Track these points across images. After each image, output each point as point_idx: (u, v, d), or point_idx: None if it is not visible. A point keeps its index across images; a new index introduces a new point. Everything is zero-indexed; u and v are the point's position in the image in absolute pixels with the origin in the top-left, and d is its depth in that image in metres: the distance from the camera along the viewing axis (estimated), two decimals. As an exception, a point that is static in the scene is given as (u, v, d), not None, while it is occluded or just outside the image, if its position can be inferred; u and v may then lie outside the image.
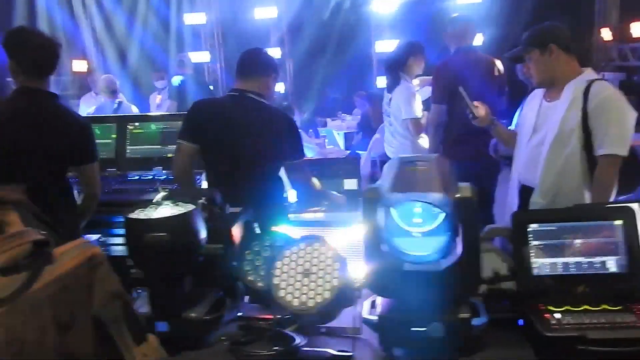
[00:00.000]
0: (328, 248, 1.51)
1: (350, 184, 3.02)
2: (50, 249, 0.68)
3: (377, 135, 6.75)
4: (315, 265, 1.49)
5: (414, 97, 3.96)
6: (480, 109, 2.57)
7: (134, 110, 5.46)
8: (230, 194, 2.07)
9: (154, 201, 1.77)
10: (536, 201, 2.34)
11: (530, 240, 1.61)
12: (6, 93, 4.95)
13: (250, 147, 2.31)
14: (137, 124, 3.18)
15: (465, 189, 1.43)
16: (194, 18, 9.64)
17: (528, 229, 1.61)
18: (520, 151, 2.53)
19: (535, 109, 2.47)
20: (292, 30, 9.88)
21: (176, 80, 6.02)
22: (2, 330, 0.61)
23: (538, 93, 2.51)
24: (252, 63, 2.44)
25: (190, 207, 1.62)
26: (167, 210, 1.65)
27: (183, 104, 5.66)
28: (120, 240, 2.83)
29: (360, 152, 7.46)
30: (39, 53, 2.30)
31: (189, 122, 2.40)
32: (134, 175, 3.08)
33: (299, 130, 2.48)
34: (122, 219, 1.57)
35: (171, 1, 9.65)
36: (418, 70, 4.02)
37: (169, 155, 3.15)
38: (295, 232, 1.88)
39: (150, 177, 3.06)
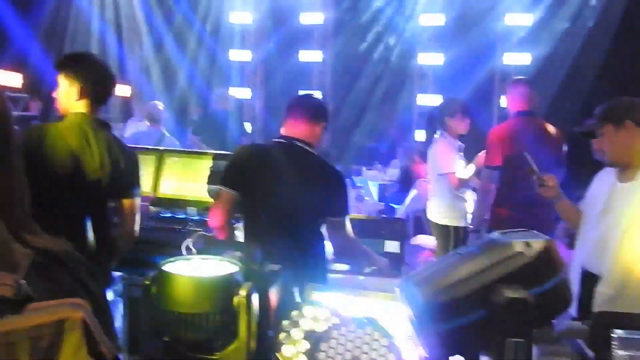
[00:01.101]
0: (381, 334, 1.32)
1: (391, 246, 2.83)
2: (20, 299, 0.63)
3: (415, 191, 6.56)
4: (365, 353, 1.29)
5: (452, 153, 3.79)
6: (549, 178, 2.38)
7: (177, 144, 5.34)
8: (268, 248, 1.92)
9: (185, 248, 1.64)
10: (602, 291, 2.11)
11: (614, 349, 1.39)
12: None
13: (295, 200, 2.16)
14: (176, 159, 3.07)
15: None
16: (238, 55, 9.75)
17: (612, 335, 1.40)
18: (585, 233, 2.31)
19: (606, 188, 2.26)
20: (336, 75, 9.90)
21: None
22: None
23: (610, 170, 2.31)
24: (303, 109, 2.31)
25: (232, 266, 1.46)
26: (203, 264, 1.51)
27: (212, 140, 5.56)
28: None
29: (394, 205, 7.26)
30: (104, 81, 2.28)
31: (232, 168, 2.26)
32: (166, 213, 2.94)
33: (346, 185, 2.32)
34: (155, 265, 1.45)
35: (218, 36, 9.80)
36: (460, 129, 3.85)
37: (205, 197, 3.02)
38: (337, 302, 1.70)
39: (183, 216, 2.92)
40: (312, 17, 9.41)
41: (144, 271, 2.66)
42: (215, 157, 3.13)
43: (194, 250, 2.60)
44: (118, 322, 2.76)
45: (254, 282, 1.62)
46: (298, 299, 1.84)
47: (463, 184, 3.77)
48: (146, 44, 9.63)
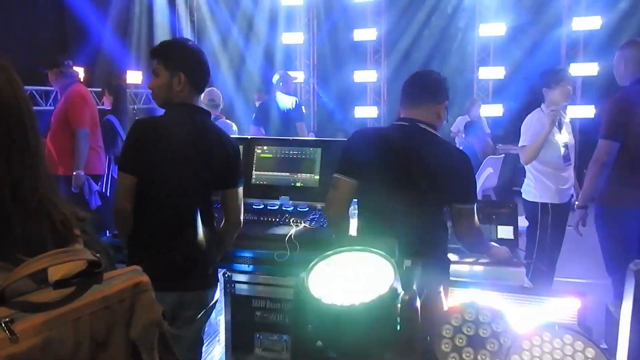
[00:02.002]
0: (585, 345, 1.13)
1: (505, 231, 2.61)
2: (101, 270, 0.73)
3: (489, 170, 6.28)
4: (570, 366, 1.11)
5: (535, 123, 3.51)
6: None
7: (234, 129, 5.27)
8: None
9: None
10: None
11: None
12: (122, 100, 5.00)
13: (419, 186, 1.97)
14: (265, 147, 2.93)
15: None
16: (291, 37, 9.59)
17: None
18: None
19: None
20: (390, 53, 9.59)
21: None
22: (39, 338, 0.64)
23: None
24: (425, 88, 2.10)
25: (384, 264, 1.30)
26: (352, 261, 1.36)
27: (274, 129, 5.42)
28: (244, 277, 2.55)
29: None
30: (206, 68, 2.14)
31: (350, 154, 2.08)
32: (259, 204, 2.81)
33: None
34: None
35: (273, 21, 9.67)
36: (560, 99, 3.55)
37: (298, 184, 2.88)
38: (488, 301, 1.51)
39: (277, 207, 2.78)
40: (366, -6, 9.15)
41: (242, 267, 2.57)
42: (304, 144, 2.98)
43: (297, 243, 2.48)
44: (222, 317, 2.68)
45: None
46: (445, 301, 1.68)
47: (529, 157, 3.48)
48: (211, 32, 9.62)
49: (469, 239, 2.10)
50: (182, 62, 2.08)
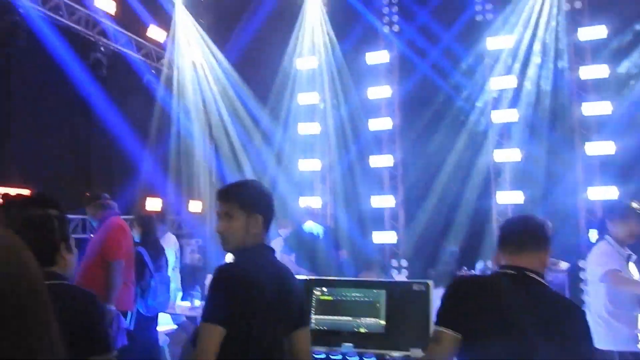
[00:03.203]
0: None
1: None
2: None
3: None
4: None
5: (609, 255, 3.27)
6: None
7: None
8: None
9: None
10: None
11: None
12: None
13: (534, 344, 1.73)
14: (324, 289, 2.71)
15: None
16: (308, 164, 9.72)
17: None
18: None
19: None
20: (408, 179, 9.66)
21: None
22: None
23: None
24: (531, 234, 1.95)
25: None
26: None
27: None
28: None
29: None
30: (273, 208, 2.10)
31: (455, 305, 1.88)
32: (320, 353, 2.54)
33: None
34: None
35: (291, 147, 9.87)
36: (620, 235, 3.34)
37: (362, 330, 2.63)
38: None
39: (340, 357, 2.50)
40: (381, 123, 9.39)
41: None
42: (367, 285, 2.77)
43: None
44: None
45: None
46: None
47: (627, 282, 3.20)
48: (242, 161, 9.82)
49: None
50: (259, 203, 2.03)
